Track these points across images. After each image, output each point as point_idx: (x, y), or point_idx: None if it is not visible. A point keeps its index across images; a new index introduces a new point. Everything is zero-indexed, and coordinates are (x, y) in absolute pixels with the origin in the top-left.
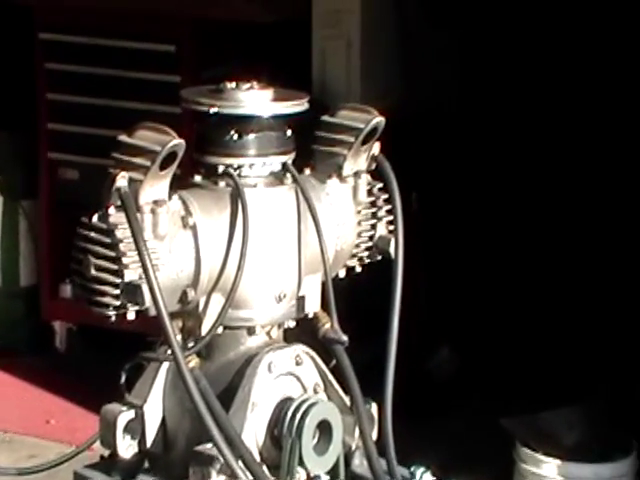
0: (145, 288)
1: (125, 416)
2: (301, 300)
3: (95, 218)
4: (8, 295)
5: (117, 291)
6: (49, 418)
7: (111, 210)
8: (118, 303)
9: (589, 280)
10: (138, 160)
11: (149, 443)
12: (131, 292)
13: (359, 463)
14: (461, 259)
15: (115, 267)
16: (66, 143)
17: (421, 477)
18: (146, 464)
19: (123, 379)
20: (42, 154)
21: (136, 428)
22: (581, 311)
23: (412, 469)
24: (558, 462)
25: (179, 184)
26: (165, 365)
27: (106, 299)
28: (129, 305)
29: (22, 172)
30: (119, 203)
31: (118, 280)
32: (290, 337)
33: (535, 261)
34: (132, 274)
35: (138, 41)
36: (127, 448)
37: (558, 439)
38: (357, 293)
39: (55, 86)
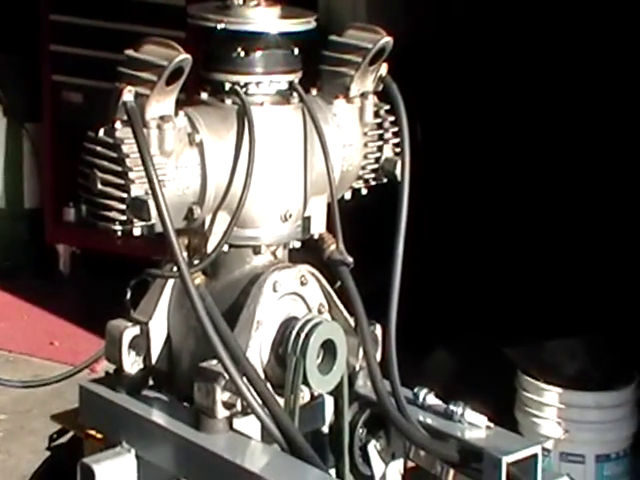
0: (151, 203)
1: (130, 332)
2: (307, 221)
3: (101, 132)
4: (12, 217)
5: (123, 206)
6: (53, 340)
7: (117, 125)
8: (124, 218)
9: (591, 211)
10: (145, 74)
11: (154, 359)
12: (137, 207)
13: (363, 384)
14: (464, 191)
15: (121, 182)
16: (69, 65)
17: (424, 398)
18: (151, 381)
19: (128, 295)
20: (45, 76)
21: (141, 344)
22: (583, 242)
23: (415, 390)
24: (559, 390)
25: (186, 102)
26: (170, 282)
27: (112, 214)
28: (135, 220)
29: (26, 95)
30: (125, 118)
31: (124, 195)
32: (296, 258)
33: (539, 193)
34: (138, 189)
35: None
36: (132, 364)
37: (560, 368)
38: (363, 219)
39: (58, 7)
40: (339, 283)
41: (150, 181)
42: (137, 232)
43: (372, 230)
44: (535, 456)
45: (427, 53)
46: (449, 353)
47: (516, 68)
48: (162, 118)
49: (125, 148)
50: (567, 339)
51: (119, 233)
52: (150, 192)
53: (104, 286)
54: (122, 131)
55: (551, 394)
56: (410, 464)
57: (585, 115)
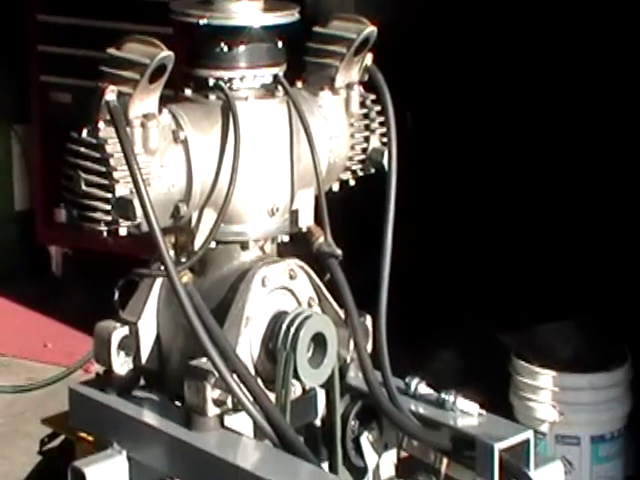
0: (136, 203)
1: (119, 333)
2: (294, 214)
3: (84, 133)
4: (2, 219)
5: (108, 206)
6: (46, 342)
7: (100, 124)
8: (110, 219)
9: (583, 194)
10: (127, 73)
11: (144, 359)
12: (122, 207)
13: (354, 375)
14: (456, 178)
15: (106, 182)
16: (57, 65)
17: (416, 387)
18: (142, 381)
19: (116, 296)
20: (33, 77)
21: (130, 344)
22: (573, 225)
23: (407, 380)
24: (553, 373)
25: (169, 99)
26: (158, 281)
27: (97, 215)
28: (121, 221)
29: (14, 96)
30: (108, 117)
31: (109, 195)
32: (284, 252)
33: (529, 180)
34: (123, 189)
35: None
36: (122, 364)
37: (553, 351)
38: (352, 211)
39: (45, 7)
40: (328, 276)
41: (135, 180)
42: (123, 232)
43: (362, 221)
44: (527, 441)
45: (417, 40)
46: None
47: (508, 54)
48: (146, 116)
49: (109, 148)
50: (560, 322)
51: (105, 234)
52: (135, 191)
53: (97, 287)
54: (105, 131)
55: (545, 377)
56: (403, 454)
57: (574, 100)
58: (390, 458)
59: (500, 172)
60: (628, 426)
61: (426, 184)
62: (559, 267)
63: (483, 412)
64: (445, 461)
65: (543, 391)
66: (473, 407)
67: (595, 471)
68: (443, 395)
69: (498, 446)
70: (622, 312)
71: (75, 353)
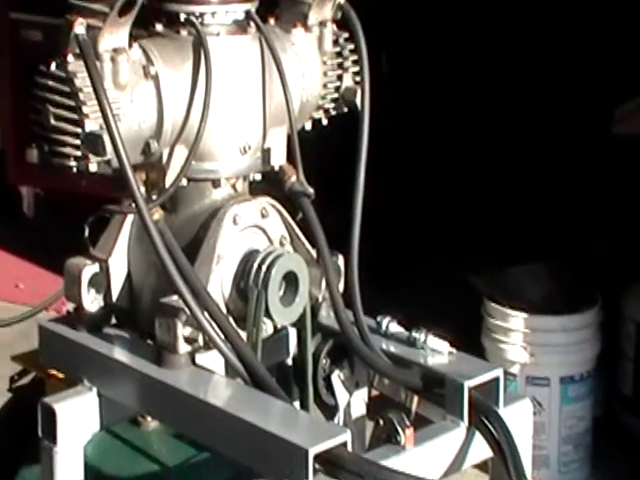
0: (106, 138)
1: (89, 270)
2: (266, 152)
3: (53, 66)
4: None
5: (78, 141)
6: (18, 282)
7: (69, 58)
8: (79, 154)
9: (552, 137)
10: (96, 6)
11: (114, 297)
12: (92, 142)
13: (326, 314)
14: (429, 121)
15: (75, 116)
16: (28, 2)
17: (387, 326)
18: (113, 320)
19: (87, 233)
20: (3, 14)
21: (101, 282)
22: (544, 168)
23: (378, 319)
24: (525, 315)
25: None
26: (129, 219)
27: (67, 150)
28: (90, 156)
29: None
30: (77, 51)
31: (78, 130)
32: (256, 191)
33: (504, 122)
34: (93, 124)
35: None
36: (92, 301)
37: (525, 293)
38: (326, 150)
39: None
40: (300, 215)
41: (104, 115)
42: (93, 168)
43: (335, 161)
44: (497, 379)
45: None
46: (414, 282)
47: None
48: (115, 50)
49: (78, 82)
50: (531, 264)
51: (75, 169)
52: (105, 127)
53: (69, 227)
54: (74, 64)
55: (516, 319)
56: (374, 392)
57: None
58: (361, 396)
59: (472, 117)
60: (597, 367)
61: (400, 128)
62: (530, 210)
63: (453, 350)
64: (415, 399)
65: (514, 333)
66: (443, 345)
67: (564, 411)
68: (414, 334)
69: (468, 384)
70: (592, 254)
71: (47, 294)
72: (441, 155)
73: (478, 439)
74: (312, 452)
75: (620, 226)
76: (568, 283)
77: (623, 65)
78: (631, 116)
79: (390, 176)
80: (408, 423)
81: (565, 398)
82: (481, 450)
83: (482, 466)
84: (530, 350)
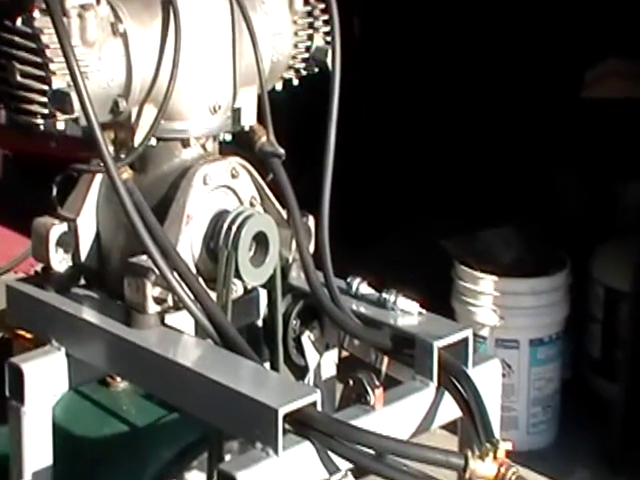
0: (74, 96)
1: (57, 229)
2: (237, 112)
3: (19, 22)
4: None
5: (44, 99)
6: None
7: (36, 14)
8: (46, 112)
9: (522, 99)
10: None
11: (83, 257)
12: (59, 100)
13: (296, 275)
14: (402, 84)
15: (42, 74)
16: None
17: (357, 287)
18: (82, 281)
19: (54, 192)
20: None
21: (69, 241)
22: (513, 132)
23: (348, 280)
24: (494, 278)
25: None
26: (98, 178)
27: (33, 107)
28: (58, 114)
29: None
30: (44, 6)
31: (45, 87)
32: (226, 152)
33: (475, 86)
34: (60, 81)
35: None
36: (60, 261)
37: (495, 256)
38: (297, 112)
39: None
40: (271, 176)
41: (72, 72)
42: (61, 126)
43: (307, 124)
44: (466, 340)
45: None
46: (385, 246)
47: None
48: (83, 7)
49: (45, 38)
50: (501, 228)
51: (42, 127)
52: (72, 84)
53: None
54: (41, 20)
55: (486, 282)
56: (344, 354)
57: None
58: (331, 358)
59: (444, 81)
60: (566, 330)
61: (372, 92)
62: (500, 173)
63: (423, 311)
64: (385, 360)
65: (484, 296)
66: (413, 306)
67: (533, 373)
68: (384, 295)
69: (437, 344)
70: (562, 218)
71: (14, 256)
72: (413, 119)
73: (447, 399)
74: (282, 412)
75: (589, 189)
76: (538, 246)
77: (593, 29)
78: (601, 80)
79: (362, 140)
80: (378, 383)
81: (534, 360)
82: (450, 410)
83: (452, 428)
84: (500, 313)
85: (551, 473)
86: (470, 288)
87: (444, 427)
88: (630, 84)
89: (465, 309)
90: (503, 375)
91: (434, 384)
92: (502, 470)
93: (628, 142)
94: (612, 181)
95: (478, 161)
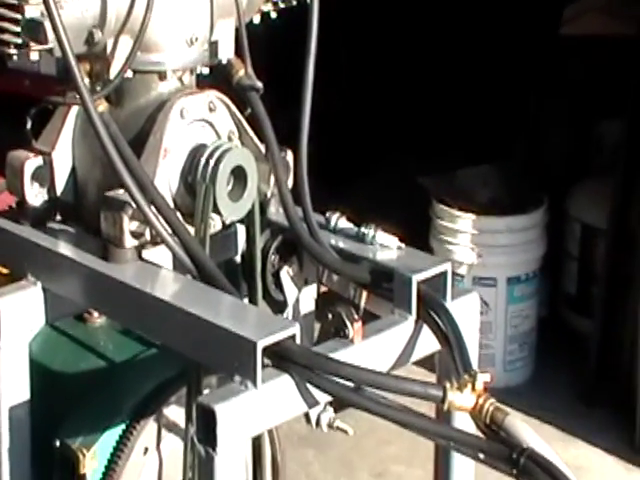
0: (48, 25)
1: (32, 163)
2: (214, 45)
3: None
4: None
5: (18, 28)
6: None
7: None
8: (20, 41)
9: (501, 36)
10: None
11: (59, 191)
12: (33, 29)
13: (274, 210)
14: (383, 18)
15: (14, 2)
16: None
17: (336, 222)
18: (58, 216)
19: (29, 125)
20: None
21: (44, 175)
22: (496, 70)
23: (327, 215)
24: (472, 217)
25: None
26: (74, 111)
27: (6, 36)
28: (32, 44)
29: None
30: None
31: (18, 16)
32: (204, 85)
33: (454, 23)
34: (33, 10)
35: None
36: (36, 195)
37: (473, 195)
38: (276, 45)
39: None
40: (249, 110)
41: (45, 1)
42: (34, 57)
43: (285, 57)
44: (445, 273)
45: None
46: (364, 184)
47: None
48: None
49: None
50: (479, 166)
51: (15, 57)
52: (46, 13)
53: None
54: None
55: (464, 221)
56: (323, 288)
57: None
58: (310, 293)
59: (423, 17)
60: (542, 268)
61: (352, 27)
62: (478, 112)
63: (402, 245)
64: (364, 294)
65: (462, 234)
66: (392, 241)
67: (510, 311)
68: (363, 229)
69: (416, 277)
70: (539, 157)
71: None
72: (394, 57)
73: (426, 332)
74: (260, 345)
75: (566, 128)
76: (515, 185)
77: None
78: (579, 17)
79: (342, 76)
80: (356, 317)
81: (511, 298)
82: (429, 343)
83: (430, 367)
84: (477, 251)
85: (527, 409)
86: (448, 226)
87: (422, 365)
88: (609, 20)
89: (443, 247)
90: (480, 313)
91: (413, 317)
92: (480, 401)
93: (606, 80)
94: (590, 119)
95: (457, 100)
